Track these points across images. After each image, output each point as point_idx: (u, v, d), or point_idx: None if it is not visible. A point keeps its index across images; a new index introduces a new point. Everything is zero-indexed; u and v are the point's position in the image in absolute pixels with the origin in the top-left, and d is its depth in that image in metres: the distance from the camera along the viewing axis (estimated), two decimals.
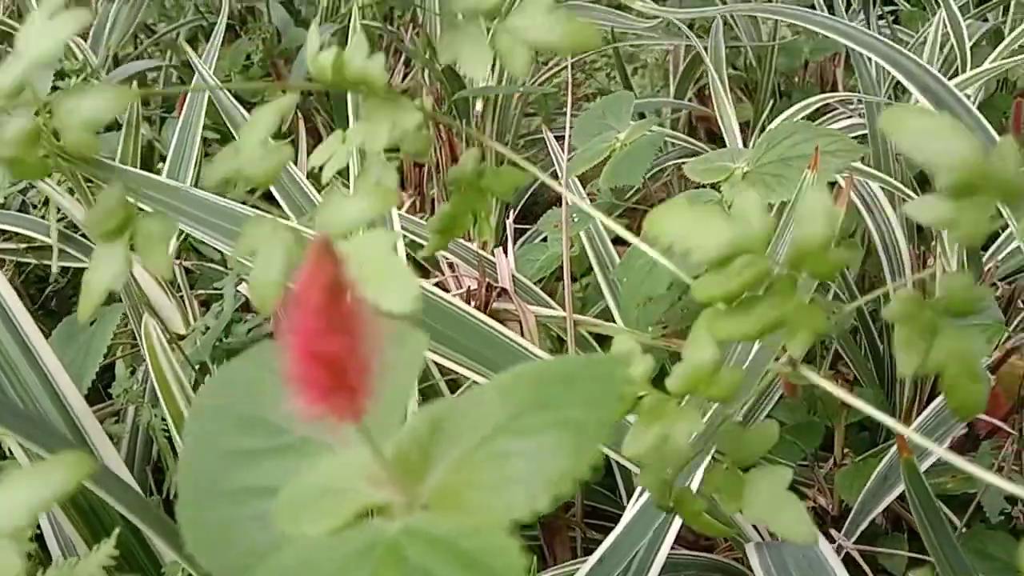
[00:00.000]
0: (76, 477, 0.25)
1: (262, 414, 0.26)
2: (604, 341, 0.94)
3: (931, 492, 0.56)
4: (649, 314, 0.88)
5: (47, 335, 1.09)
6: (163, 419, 0.73)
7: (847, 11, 1.79)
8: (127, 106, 0.32)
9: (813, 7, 1.78)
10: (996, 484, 0.30)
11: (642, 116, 1.70)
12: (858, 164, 1.07)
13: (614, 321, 0.94)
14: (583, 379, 0.25)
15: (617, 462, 0.83)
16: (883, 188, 1.01)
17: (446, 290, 0.94)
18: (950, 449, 0.82)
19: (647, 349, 0.83)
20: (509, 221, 1.01)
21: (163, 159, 1.21)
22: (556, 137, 1.31)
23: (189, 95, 1.15)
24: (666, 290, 0.70)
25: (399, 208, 1.21)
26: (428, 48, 1.38)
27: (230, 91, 1.51)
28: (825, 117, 1.29)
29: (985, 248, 1.04)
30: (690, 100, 1.68)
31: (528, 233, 1.25)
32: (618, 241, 1.29)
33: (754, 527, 0.75)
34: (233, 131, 1.06)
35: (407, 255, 1.10)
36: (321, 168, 0.44)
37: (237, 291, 0.83)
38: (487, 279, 0.86)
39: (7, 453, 0.58)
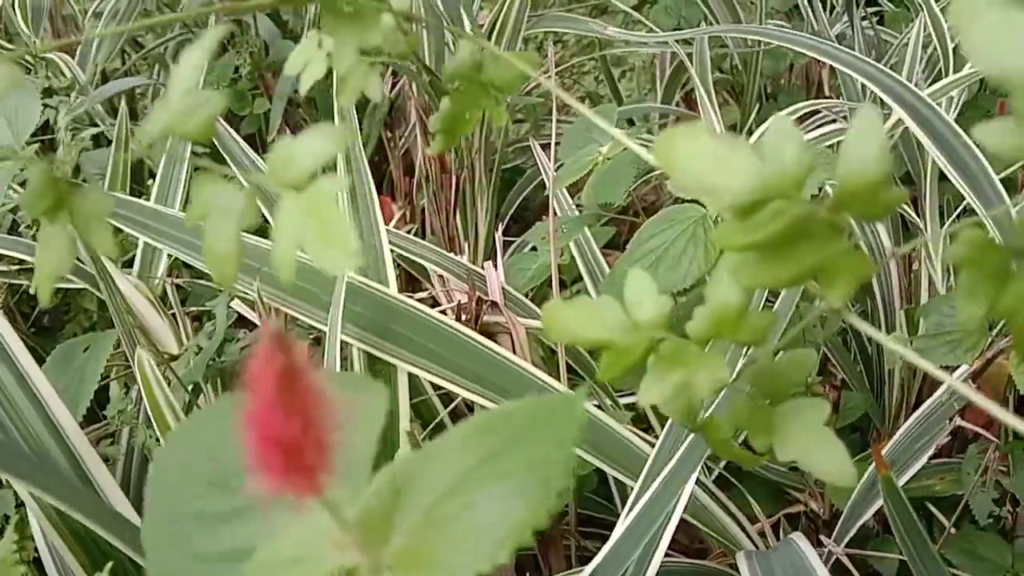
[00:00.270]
0: None
1: (225, 474, 0.26)
2: (596, 354, 0.95)
3: (911, 508, 0.57)
4: None
5: (40, 352, 1.09)
6: (158, 440, 0.73)
7: (830, 13, 1.81)
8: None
9: (797, 7, 1.79)
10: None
11: (631, 122, 1.71)
12: None
13: None
14: (543, 422, 0.24)
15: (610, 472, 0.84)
16: None
17: (437, 303, 0.94)
18: (938, 452, 0.83)
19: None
20: (498, 234, 1.01)
21: (152, 176, 1.21)
22: (545, 144, 1.31)
23: None
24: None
25: (387, 222, 1.22)
26: (415, 59, 1.38)
27: None
28: (810, 121, 1.30)
29: None
30: (678, 104, 1.69)
31: (519, 242, 1.26)
32: (608, 246, 1.30)
33: (747, 535, 0.76)
34: (220, 148, 1.06)
35: (396, 268, 1.10)
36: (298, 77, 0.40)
37: (230, 308, 0.84)
38: (477, 292, 0.87)
39: (2, 482, 0.59)
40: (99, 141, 1.34)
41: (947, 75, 1.31)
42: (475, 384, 0.69)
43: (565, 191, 1.10)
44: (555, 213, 0.91)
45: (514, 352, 0.82)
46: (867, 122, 0.26)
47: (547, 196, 1.00)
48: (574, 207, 1.09)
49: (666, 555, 0.67)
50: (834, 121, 1.20)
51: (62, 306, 1.27)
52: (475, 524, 0.22)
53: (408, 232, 1.29)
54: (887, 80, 0.99)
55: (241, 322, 0.90)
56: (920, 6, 1.39)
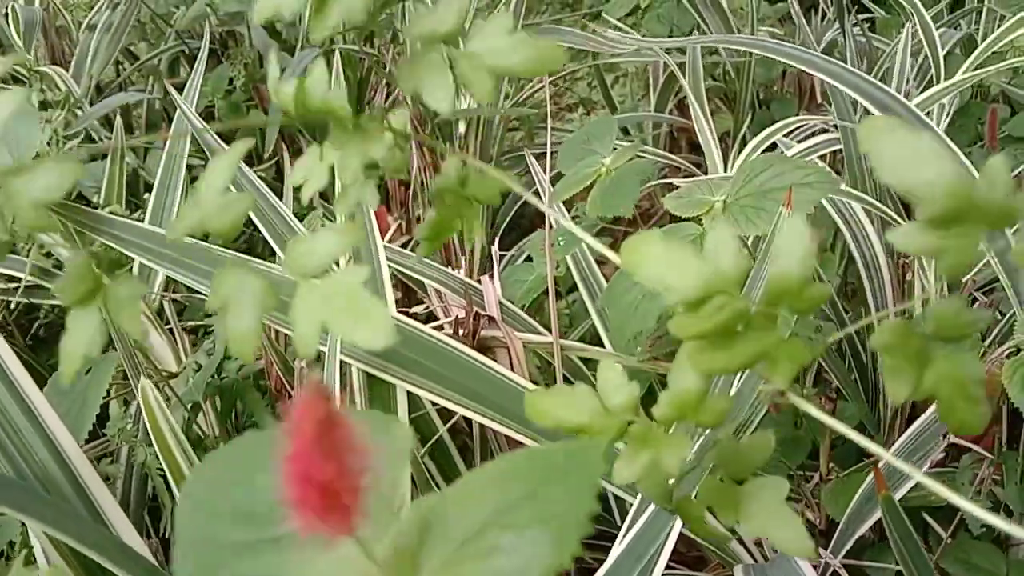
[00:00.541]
0: None
1: (255, 504, 0.27)
2: (591, 362, 0.95)
3: (910, 526, 0.58)
4: (637, 340, 0.89)
5: (38, 366, 1.09)
6: (158, 458, 0.74)
7: (822, 20, 1.82)
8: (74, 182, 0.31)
9: (789, 15, 1.80)
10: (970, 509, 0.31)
11: (625, 131, 1.72)
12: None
13: (601, 339, 0.95)
14: (563, 471, 0.25)
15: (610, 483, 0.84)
16: (861, 205, 1.03)
17: (434, 317, 0.95)
18: (934, 462, 0.83)
19: (633, 374, 0.84)
20: (494, 248, 1.02)
21: (148, 188, 1.22)
22: (539, 154, 1.32)
23: (174, 124, 1.16)
24: (655, 323, 0.71)
25: (384, 234, 1.22)
26: None
27: (213, 116, 1.51)
28: (802, 129, 1.31)
29: None
30: (671, 112, 1.69)
31: (514, 251, 1.26)
32: (604, 259, 1.31)
33: (745, 549, 0.76)
34: (211, 157, 1.06)
35: (393, 280, 1.11)
36: (300, 188, 0.43)
37: None
38: (474, 307, 0.87)
39: None
40: (95, 154, 1.34)
41: (938, 82, 1.32)
42: (473, 402, 0.70)
43: (559, 203, 1.10)
44: (551, 226, 0.92)
45: (511, 367, 0.83)
46: (793, 231, 0.30)
47: (540, 208, 1.01)
48: (568, 217, 1.10)
49: (665, 569, 0.68)
50: (825, 131, 1.21)
51: (58, 320, 1.27)
52: (499, 568, 0.23)
53: (404, 243, 1.30)
54: (875, 91, 1.00)
55: None
56: (911, 14, 1.40)
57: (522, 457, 0.26)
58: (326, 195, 1.19)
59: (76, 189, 1.23)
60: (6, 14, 1.55)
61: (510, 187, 0.41)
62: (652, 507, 0.63)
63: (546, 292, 0.97)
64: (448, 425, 0.81)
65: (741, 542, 0.82)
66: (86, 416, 0.68)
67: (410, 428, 0.29)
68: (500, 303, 0.90)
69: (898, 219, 1.05)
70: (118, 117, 1.27)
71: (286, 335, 0.74)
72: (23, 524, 0.61)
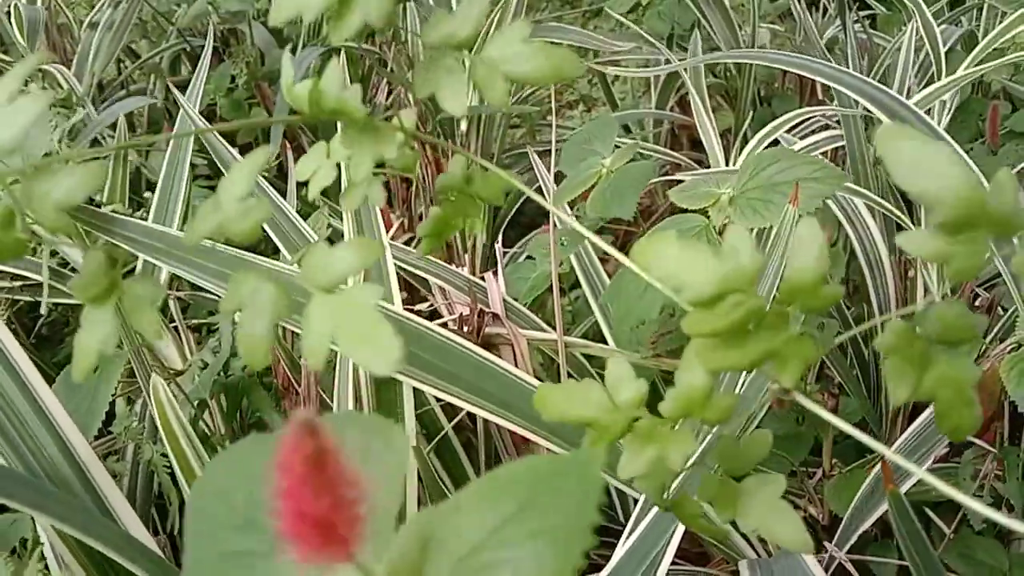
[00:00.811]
0: None
1: (258, 513, 0.27)
2: (594, 359, 0.96)
3: (917, 523, 0.58)
4: (641, 334, 0.90)
5: (42, 364, 1.10)
6: (164, 455, 0.74)
7: (823, 16, 1.82)
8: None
9: (790, 11, 1.80)
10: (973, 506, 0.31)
11: (626, 128, 1.72)
12: None
13: (604, 336, 0.95)
14: (563, 483, 0.25)
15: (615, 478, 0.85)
16: (864, 201, 1.03)
17: (439, 315, 0.95)
18: (937, 457, 0.84)
19: (637, 371, 0.85)
20: (498, 245, 1.02)
21: (151, 187, 1.22)
22: (542, 151, 1.32)
23: (177, 123, 1.16)
24: (658, 314, 0.72)
25: (387, 231, 1.22)
26: (410, 67, 1.39)
27: (215, 114, 1.52)
28: (804, 126, 1.31)
29: None
30: (672, 109, 1.69)
31: (516, 248, 1.27)
32: (606, 256, 1.31)
33: (749, 544, 0.77)
34: (216, 159, 1.06)
35: (397, 277, 1.11)
36: (307, 183, 0.44)
37: (235, 321, 0.84)
38: (478, 304, 0.87)
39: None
40: (97, 154, 1.34)
41: (939, 79, 1.32)
42: (478, 398, 0.70)
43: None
44: (554, 225, 0.92)
45: (516, 364, 0.83)
46: (807, 233, 0.31)
47: (542, 205, 1.01)
48: (571, 215, 1.10)
49: (671, 565, 0.68)
50: (827, 127, 1.21)
51: (62, 318, 1.28)
52: None
53: (407, 240, 1.30)
54: (874, 92, 1.00)
55: None
56: (912, 11, 1.40)
57: (522, 466, 0.26)
58: (327, 191, 1.19)
59: None
60: (8, 12, 1.56)
61: (514, 185, 0.41)
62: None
63: (549, 289, 0.97)
64: (454, 422, 0.82)
65: (745, 538, 0.82)
66: (95, 413, 0.68)
67: (408, 436, 0.29)
68: (504, 300, 0.90)
69: (901, 216, 1.06)
70: (121, 116, 1.28)
71: (293, 332, 0.74)
72: (33, 522, 0.62)
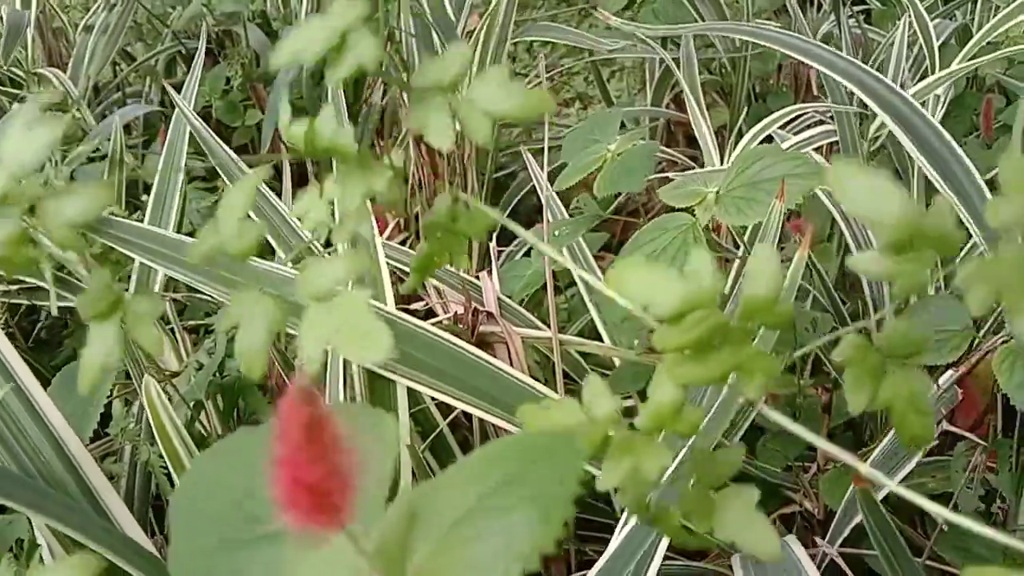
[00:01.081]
0: None
1: (247, 502, 0.28)
2: (590, 356, 0.96)
3: (891, 522, 0.58)
4: (633, 329, 0.90)
5: (40, 366, 1.10)
6: (161, 456, 0.74)
7: (818, 11, 1.82)
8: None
9: (784, 7, 1.80)
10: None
11: (622, 126, 1.72)
12: None
13: (599, 333, 0.96)
14: (546, 457, 0.27)
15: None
16: None
17: (434, 315, 0.95)
18: (931, 450, 0.84)
19: (633, 366, 0.85)
20: (492, 244, 1.03)
21: (147, 189, 1.22)
22: (537, 150, 1.33)
23: (172, 124, 1.16)
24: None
25: (382, 232, 1.23)
26: (405, 68, 1.40)
27: (211, 116, 1.52)
28: (799, 121, 1.32)
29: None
30: (668, 106, 1.70)
31: (512, 246, 1.27)
32: (602, 250, 1.31)
33: None
34: (212, 160, 1.07)
35: (392, 278, 1.11)
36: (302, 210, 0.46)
37: None
38: (473, 303, 0.88)
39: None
40: (92, 156, 1.35)
41: (933, 73, 1.32)
42: (473, 397, 0.70)
43: (557, 198, 1.11)
44: (548, 220, 0.92)
45: (511, 362, 0.83)
46: (763, 256, 0.34)
47: (538, 201, 1.01)
48: (566, 213, 1.11)
49: (664, 556, 0.69)
50: (821, 123, 1.22)
51: (59, 321, 1.28)
52: (485, 552, 0.24)
53: (403, 240, 1.31)
54: (871, 82, 1.00)
55: None
56: (906, 5, 1.40)
57: (508, 442, 0.28)
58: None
59: None
60: (2, 17, 1.56)
61: (498, 222, 0.44)
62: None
63: (544, 287, 0.97)
64: (448, 420, 0.82)
65: None
66: (91, 415, 0.68)
67: (398, 422, 0.30)
68: (499, 298, 0.91)
69: None
70: (116, 118, 1.28)
71: (288, 335, 0.75)
72: (30, 523, 0.62)
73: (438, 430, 0.81)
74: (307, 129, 0.38)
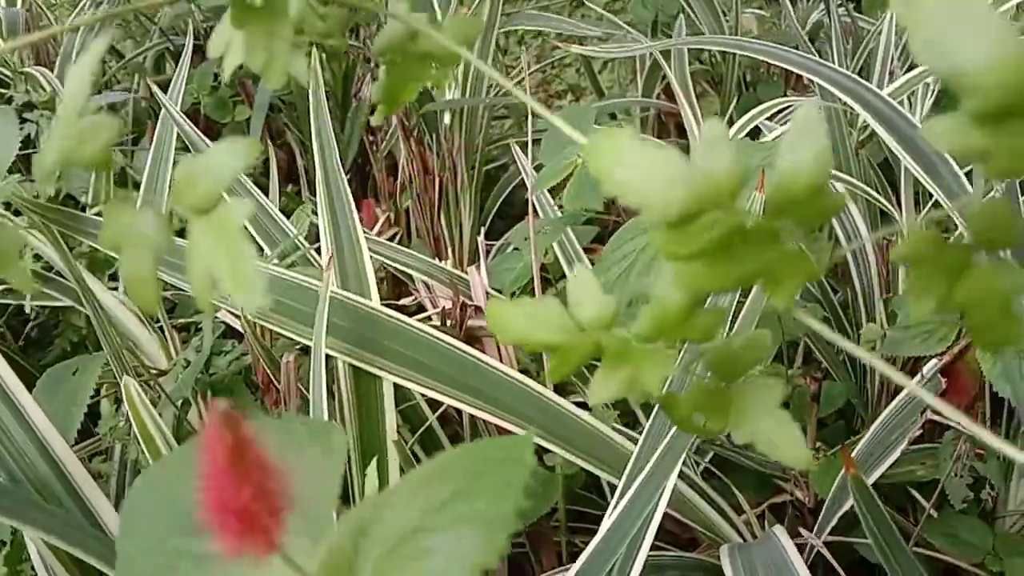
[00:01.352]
0: None
1: (193, 514, 0.27)
2: None
3: (882, 507, 0.58)
4: (631, 316, 0.90)
5: (30, 366, 1.10)
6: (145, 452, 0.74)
7: (809, 0, 1.81)
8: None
9: None
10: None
11: (613, 116, 1.72)
12: None
13: None
14: (492, 469, 0.25)
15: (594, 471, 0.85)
16: (846, 187, 1.04)
17: (423, 309, 0.95)
18: (920, 438, 0.84)
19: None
20: (480, 239, 1.02)
21: (136, 187, 1.22)
22: (525, 144, 1.32)
23: (160, 123, 1.16)
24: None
25: (372, 226, 1.22)
26: None
27: (200, 112, 1.51)
28: (788, 110, 1.31)
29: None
30: (658, 96, 1.69)
31: (503, 240, 1.27)
32: (595, 241, 1.31)
33: (735, 531, 0.77)
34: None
35: (383, 273, 1.11)
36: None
37: (218, 320, 0.85)
38: (461, 298, 0.88)
39: None
40: None
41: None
42: (460, 392, 0.70)
43: (547, 190, 1.11)
44: (536, 214, 0.92)
45: (500, 357, 0.83)
46: (806, 123, 0.25)
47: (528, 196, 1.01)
48: (556, 206, 1.11)
49: (656, 547, 0.69)
50: None
51: (50, 320, 1.28)
52: (428, 571, 0.23)
53: (393, 235, 1.30)
54: (847, 82, 1.00)
55: (231, 333, 0.91)
56: None
57: (454, 455, 0.26)
58: (315, 190, 1.19)
59: (64, 190, 1.23)
60: None
61: (462, 54, 0.37)
62: (636, 487, 0.63)
63: (534, 280, 0.97)
64: (437, 414, 0.82)
65: (732, 524, 0.83)
66: (74, 415, 0.68)
67: (346, 435, 0.29)
68: (487, 292, 0.91)
69: (883, 201, 1.06)
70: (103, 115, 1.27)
71: (271, 332, 0.75)
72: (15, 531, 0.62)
73: (426, 424, 0.81)
74: None
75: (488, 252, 1.15)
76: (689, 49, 1.44)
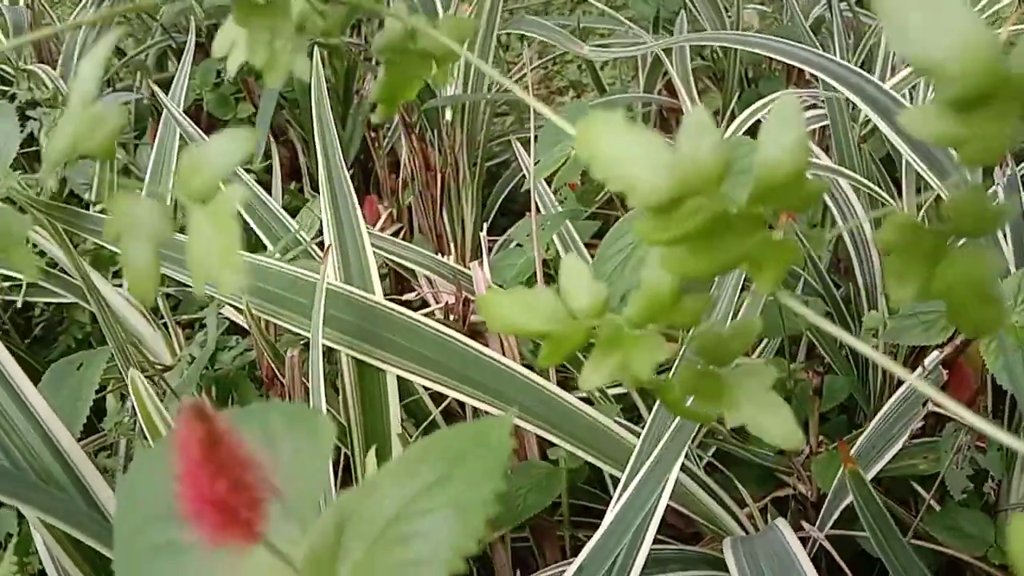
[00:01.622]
0: None
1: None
2: None
3: (880, 502, 0.59)
4: (626, 301, 0.90)
5: (36, 364, 1.11)
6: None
7: None
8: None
9: None
10: None
11: None
12: (823, 159, 1.10)
13: None
14: (472, 454, 0.25)
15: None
16: (849, 182, 1.04)
17: (426, 304, 0.96)
18: (921, 431, 0.85)
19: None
20: (483, 233, 1.03)
21: (140, 182, 1.22)
22: (526, 139, 1.32)
23: (162, 121, 1.16)
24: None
25: (375, 222, 1.23)
26: None
27: (203, 109, 1.52)
28: None
29: None
30: (660, 92, 1.70)
31: (506, 236, 1.27)
32: (596, 236, 1.31)
33: (738, 524, 0.77)
34: None
35: (386, 268, 1.12)
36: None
37: (222, 316, 0.85)
38: (464, 292, 0.88)
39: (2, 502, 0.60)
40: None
41: None
42: (463, 384, 0.71)
43: (548, 188, 1.11)
44: (538, 210, 0.93)
45: (502, 350, 0.84)
46: (786, 112, 0.25)
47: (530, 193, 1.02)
48: (557, 203, 1.11)
49: (659, 541, 0.69)
50: (814, 107, 1.21)
51: (56, 316, 1.28)
52: (411, 558, 0.23)
53: (396, 231, 1.31)
54: (850, 76, 1.00)
55: (234, 329, 0.92)
56: None
57: (434, 441, 0.26)
58: (318, 186, 1.19)
59: (68, 188, 1.24)
60: None
61: (458, 49, 0.37)
62: (639, 480, 0.64)
63: (536, 275, 0.98)
64: (441, 408, 0.82)
65: (735, 518, 0.83)
66: (80, 410, 0.69)
67: (333, 423, 0.28)
68: (490, 287, 0.91)
69: (885, 196, 1.06)
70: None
71: (275, 326, 0.75)
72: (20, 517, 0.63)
73: (431, 418, 0.82)
74: None
75: (491, 248, 1.15)
76: (691, 45, 1.44)
